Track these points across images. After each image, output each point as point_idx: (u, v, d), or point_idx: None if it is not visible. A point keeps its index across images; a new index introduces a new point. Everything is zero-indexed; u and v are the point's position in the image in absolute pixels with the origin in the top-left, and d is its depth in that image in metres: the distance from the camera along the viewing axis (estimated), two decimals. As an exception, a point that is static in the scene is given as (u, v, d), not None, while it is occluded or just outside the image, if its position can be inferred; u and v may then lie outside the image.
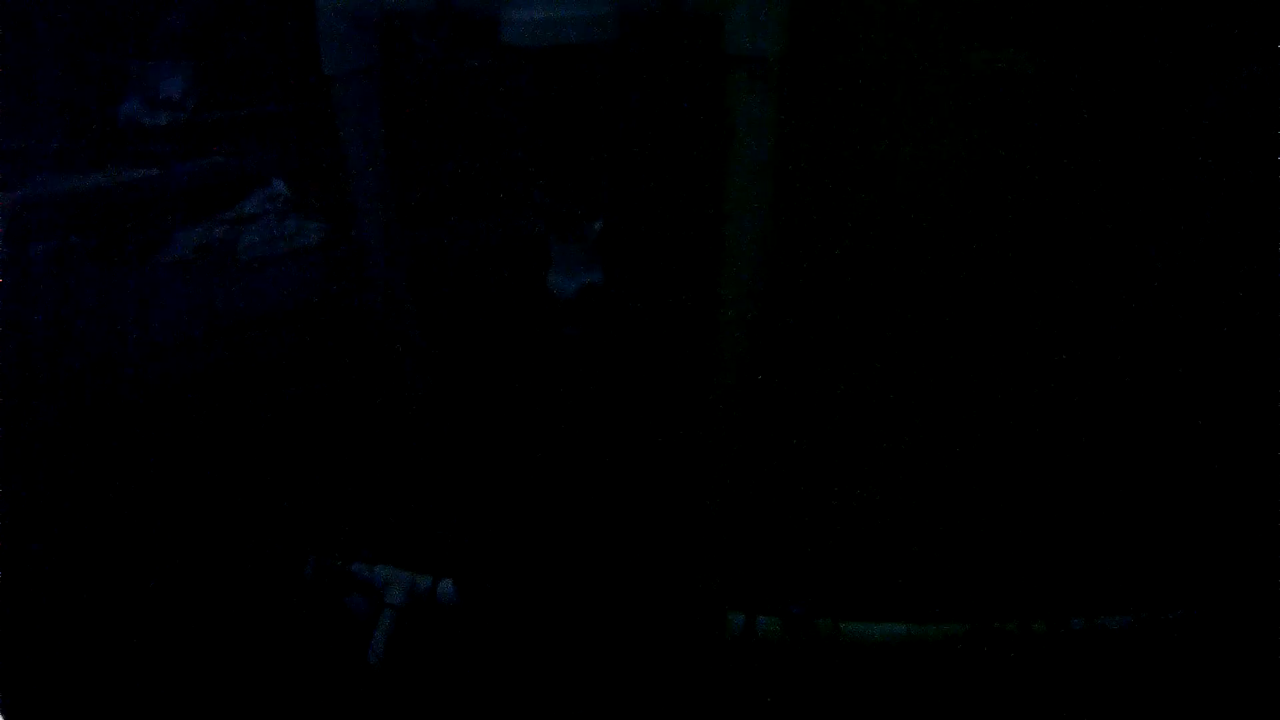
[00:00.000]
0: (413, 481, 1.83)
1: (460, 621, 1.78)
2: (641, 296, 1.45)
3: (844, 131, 1.44)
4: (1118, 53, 1.42)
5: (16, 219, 2.93)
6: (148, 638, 1.80)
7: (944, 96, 1.42)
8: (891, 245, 1.48)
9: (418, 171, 1.89)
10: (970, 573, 1.59)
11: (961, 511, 1.59)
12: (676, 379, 1.51)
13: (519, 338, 1.58)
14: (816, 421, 1.57)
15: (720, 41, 1.15)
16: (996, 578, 1.58)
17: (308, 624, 1.81)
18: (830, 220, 1.45)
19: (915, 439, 1.57)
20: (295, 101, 2.76)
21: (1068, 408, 1.59)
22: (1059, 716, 1.56)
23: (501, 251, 1.75)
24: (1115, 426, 1.60)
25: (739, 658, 1.61)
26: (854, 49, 1.36)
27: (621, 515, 1.63)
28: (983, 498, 1.59)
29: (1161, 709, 1.53)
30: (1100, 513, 1.61)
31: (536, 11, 1.15)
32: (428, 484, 1.81)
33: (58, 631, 1.80)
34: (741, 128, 1.20)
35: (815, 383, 1.53)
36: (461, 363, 1.73)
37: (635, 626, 1.62)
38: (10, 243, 2.90)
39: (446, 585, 1.79)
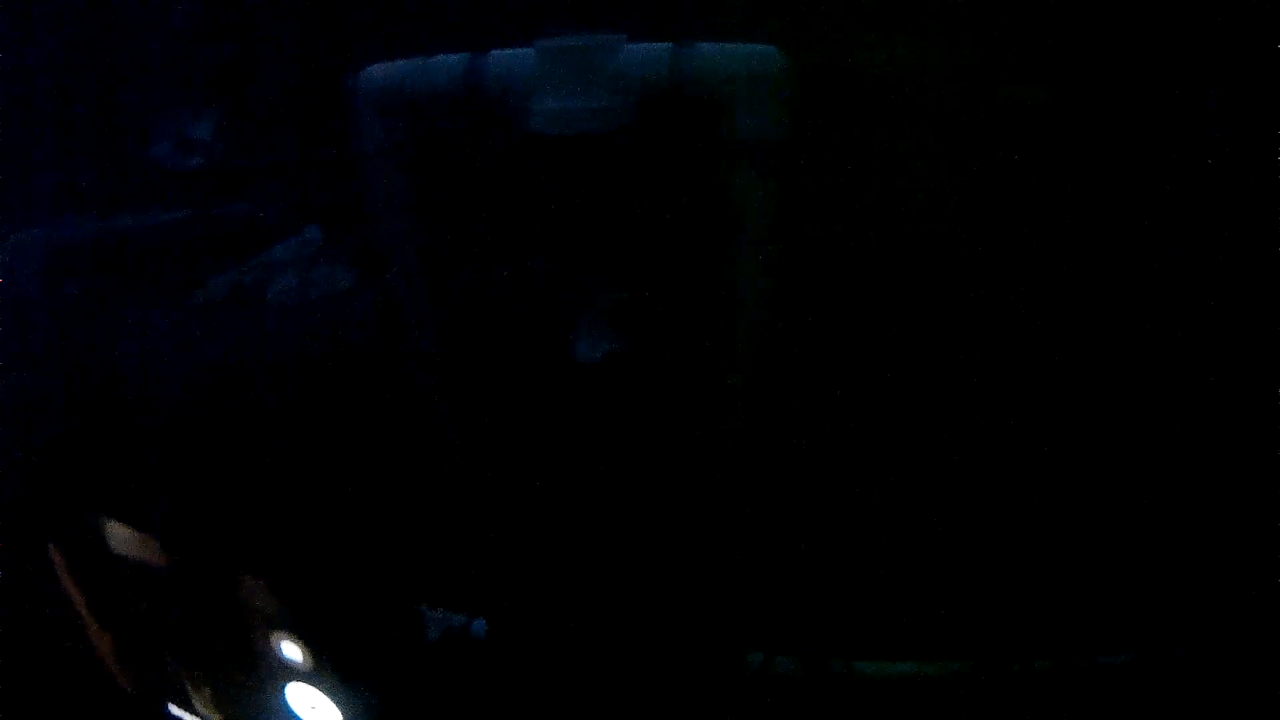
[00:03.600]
0: (446, 526, 1.91)
1: (490, 657, 1.86)
2: (659, 360, 1.54)
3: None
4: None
5: (51, 257, 3.01)
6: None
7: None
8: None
9: (449, 237, 1.98)
10: (977, 613, 1.65)
11: (969, 554, 1.66)
12: (692, 432, 1.59)
13: (547, 389, 1.67)
14: (822, 467, 1.65)
15: (726, 128, 1.23)
16: (1002, 618, 1.64)
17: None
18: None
19: (915, 493, 1.64)
20: (326, 149, 2.82)
21: (1066, 447, 1.65)
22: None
23: (528, 307, 1.84)
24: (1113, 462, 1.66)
25: (758, 694, 1.68)
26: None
27: (644, 559, 1.71)
28: (989, 541, 1.65)
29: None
30: (1103, 552, 1.67)
31: (552, 102, 1.24)
32: (461, 529, 1.90)
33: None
34: (747, 207, 1.28)
35: (820, 436, 1.61)
36: (492, 411, 1.82)
37: (659, 665, 1.70)
38: (45, 281, 2.98)
39: (479, 624, 1.87)
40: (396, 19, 1.73)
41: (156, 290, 2.99)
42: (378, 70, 1.41)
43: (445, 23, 1.57)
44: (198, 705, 1.72)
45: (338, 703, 1.78)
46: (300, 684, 1.71)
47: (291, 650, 1.72)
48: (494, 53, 1.32)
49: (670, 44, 1.24)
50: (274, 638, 1.73)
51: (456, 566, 1.91)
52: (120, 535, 1.91)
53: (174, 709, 1.79)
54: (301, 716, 1.78)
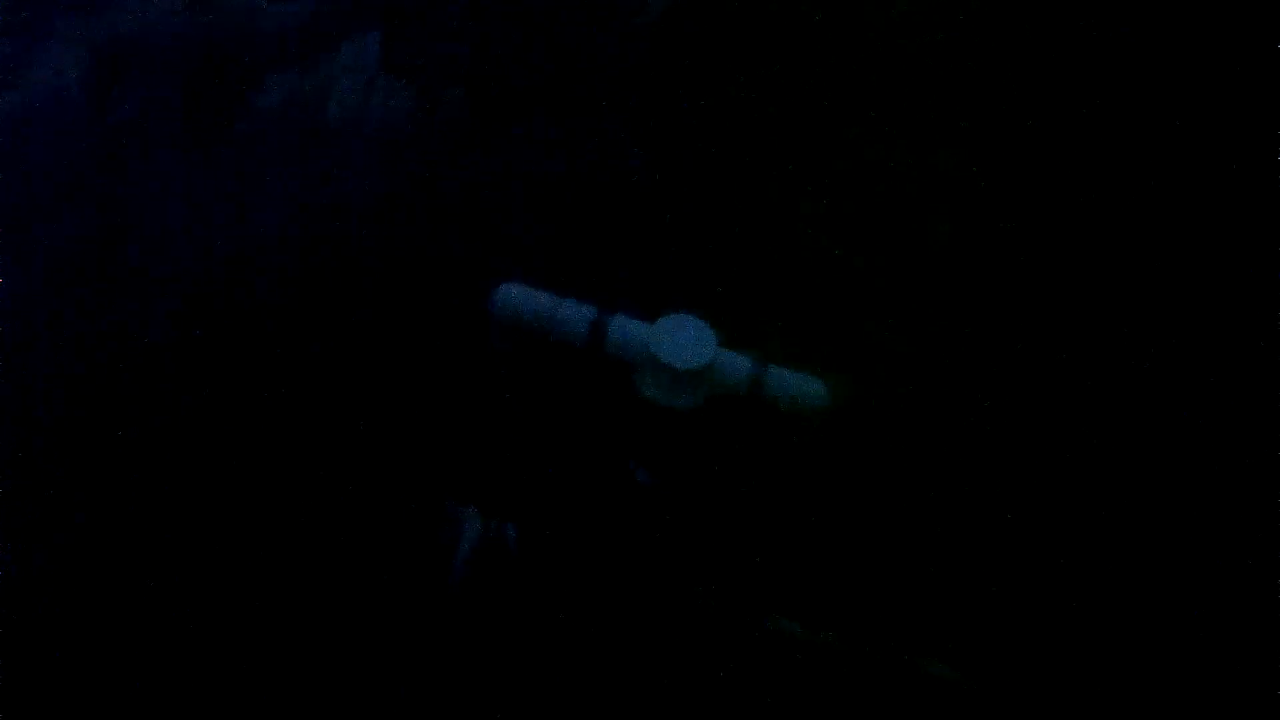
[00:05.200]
0: (491, 432, 2.33)
1: (520, 557, 2.31)
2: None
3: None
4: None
5: (103, 60, 2.79)
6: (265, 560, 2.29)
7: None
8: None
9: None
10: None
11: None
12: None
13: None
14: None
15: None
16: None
17: (407, 550, 2.33)
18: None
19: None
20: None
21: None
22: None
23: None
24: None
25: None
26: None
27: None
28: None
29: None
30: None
31: (651, 390, 1.60)
32: (501, 438, 2.30)
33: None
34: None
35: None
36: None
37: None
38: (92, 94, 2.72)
39: (510, 529, 2.31)
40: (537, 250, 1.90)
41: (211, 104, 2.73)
42: (514, 291, 1.89)
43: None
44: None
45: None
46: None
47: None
48: (620, 317, 1.85)
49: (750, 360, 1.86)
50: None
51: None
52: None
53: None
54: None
